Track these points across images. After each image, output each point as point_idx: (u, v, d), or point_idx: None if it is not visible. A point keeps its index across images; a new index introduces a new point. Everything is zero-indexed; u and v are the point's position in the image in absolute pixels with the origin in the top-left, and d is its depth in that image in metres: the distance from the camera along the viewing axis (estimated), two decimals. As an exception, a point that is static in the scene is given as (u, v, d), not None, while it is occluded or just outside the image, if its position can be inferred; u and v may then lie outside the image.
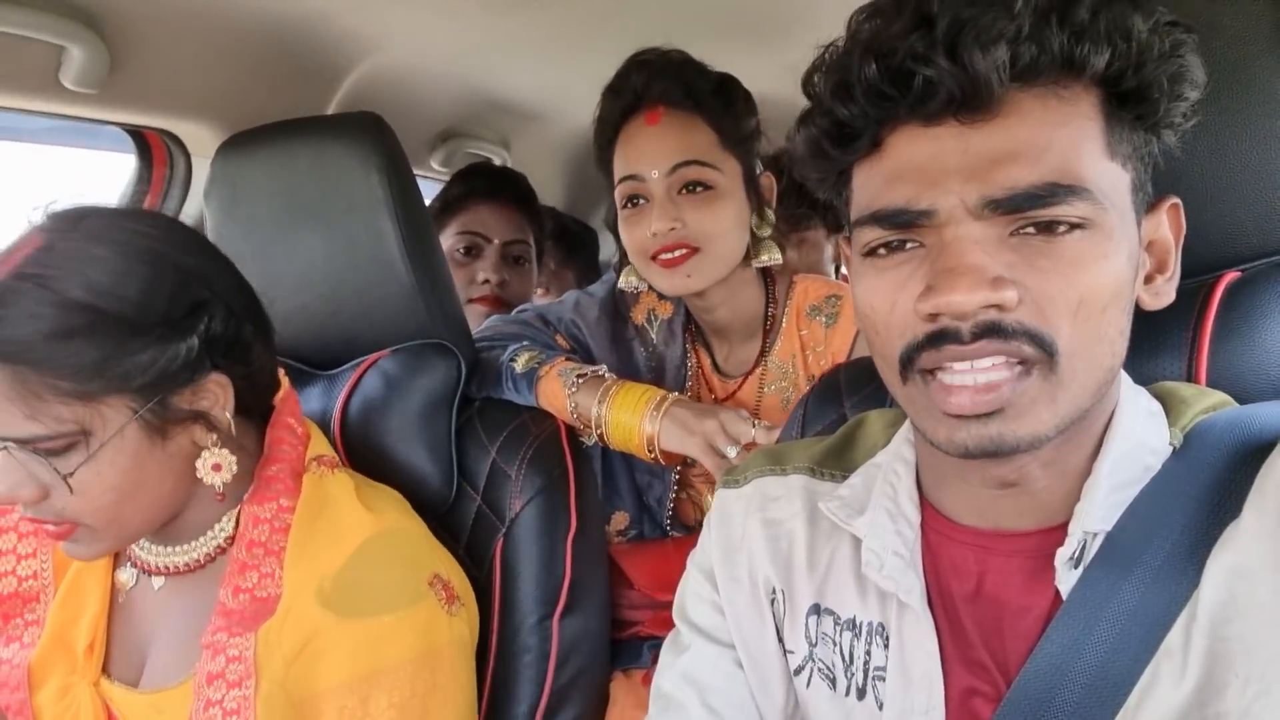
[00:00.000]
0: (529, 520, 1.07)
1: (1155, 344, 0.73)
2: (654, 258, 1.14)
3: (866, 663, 0.67)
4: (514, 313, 1.37)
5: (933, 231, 0.57)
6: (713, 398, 1.29)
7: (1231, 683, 0.53)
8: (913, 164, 0.58)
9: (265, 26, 1.30)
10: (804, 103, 0.64)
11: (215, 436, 0.86)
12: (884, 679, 0.66)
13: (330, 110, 1.54)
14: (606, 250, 2.43)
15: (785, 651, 0.73)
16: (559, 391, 1.15)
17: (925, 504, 0.69)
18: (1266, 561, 0.53)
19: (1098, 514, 0.59)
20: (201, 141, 1.40)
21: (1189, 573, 0.56)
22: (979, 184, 0.55)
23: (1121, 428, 0.62)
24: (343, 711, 0.80)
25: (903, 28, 0.56)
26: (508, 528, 1.07)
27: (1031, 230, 0.56)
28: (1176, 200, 0.63)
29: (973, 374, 0.56)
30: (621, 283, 1.25)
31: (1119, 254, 0.57)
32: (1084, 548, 0.60)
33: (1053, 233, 0.55)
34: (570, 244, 2.26)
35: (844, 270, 1.63)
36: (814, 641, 0.71)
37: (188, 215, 1.47)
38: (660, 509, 1.32)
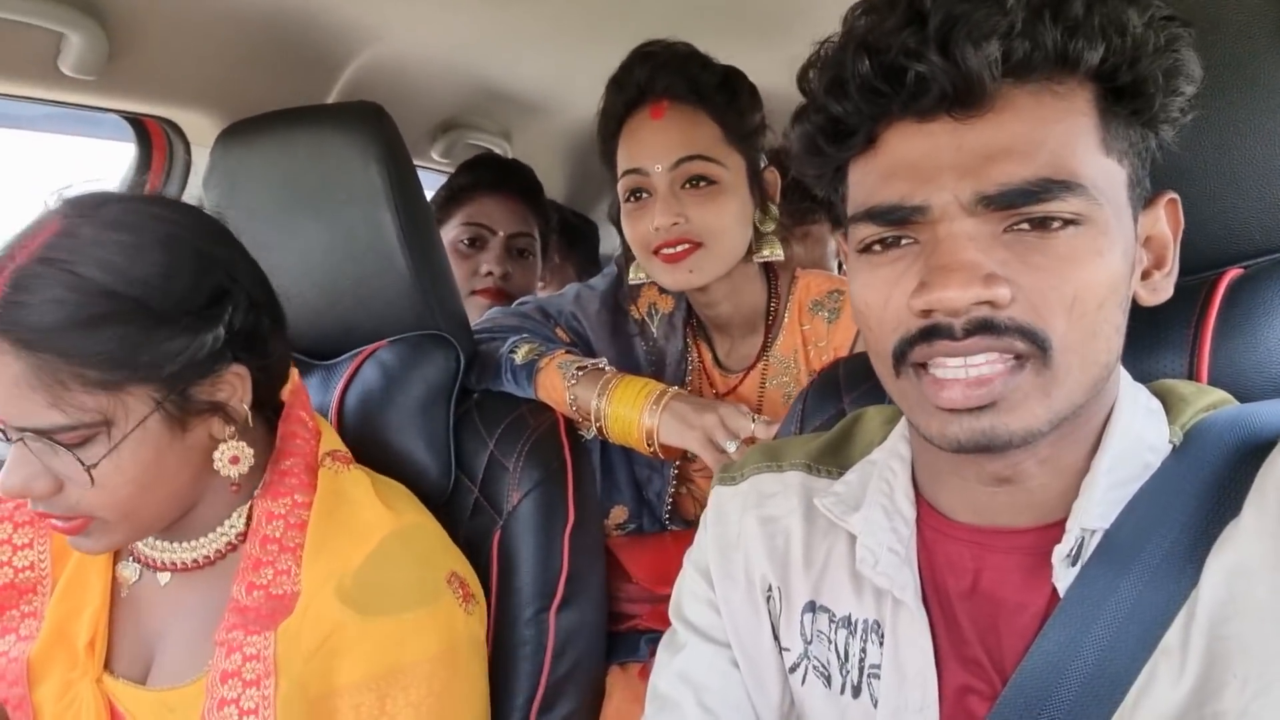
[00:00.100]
0: (527, 513, 1.07)
1: (1156, 341, 0.73)
2: (656, 252, 1.13)
3: (862, 660, 0.67)
4: (514, 305, 1.37)
5: (927, 228, 0.57)
6: (714, 392, 1.29)
7: (1230, 682, 0.53)
8: (907, 160, 0.58)
9: (266, 14, 1.29)
10: (807, 97, 0.64)
11: (232, 429, 0.84)
12: (879, 676, 0.66)
13: (331, 99, 1.53)
14: (607, 243, 2.42)
15: (780, 649, 0.73)
16: (558, 384, 1.14)
17: (921, 501, 0.69)
18: (1266, 561, 0.53)
19: (1096, 511, 0.59)
20: (201, 130, 1.40)
21: (1188, 571, 0.56)
22: (973, 180, 0.55)
23: (1120, 425, 0.61)
24: (359, 709, 0.79)
25: (896, 24, 0.56)
26: (505, 520, 1.07)
27: (1025, 226, 0.56)
28: (1174, 195, 0.63)
29: (965, 368, 0.56)
30: (632, 277, 1.24)
31: (1114, 250, 0.56)
32: (1082, 545, 0.59)
33: (1047, 229, 0.55)
34: (571, 237, 2.25)
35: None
36: (809, 639, 0.71)
37: (187, 204, 1.47)
38: (659, 503, 1.31)
